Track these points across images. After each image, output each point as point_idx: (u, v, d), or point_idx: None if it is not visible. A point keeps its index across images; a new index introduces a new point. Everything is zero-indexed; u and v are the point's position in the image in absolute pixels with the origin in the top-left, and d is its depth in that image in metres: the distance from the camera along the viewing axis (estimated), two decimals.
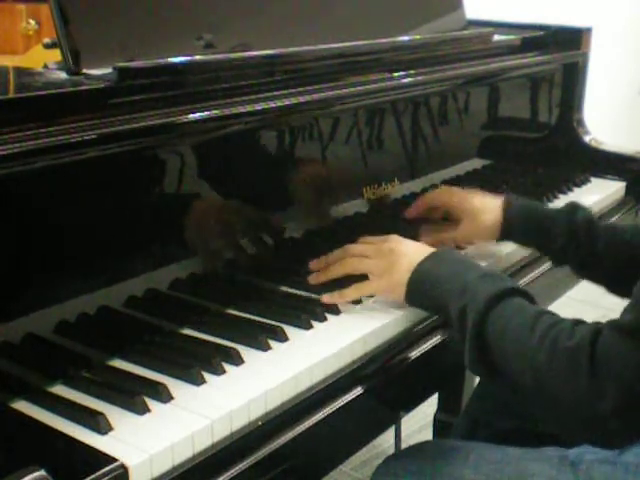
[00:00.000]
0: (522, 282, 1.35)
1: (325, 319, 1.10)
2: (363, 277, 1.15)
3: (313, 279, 1.17)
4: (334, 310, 1.12)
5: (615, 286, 1.27)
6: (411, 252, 1.12)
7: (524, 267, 1.39)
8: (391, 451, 1.93)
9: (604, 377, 0.87)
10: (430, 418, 1.94)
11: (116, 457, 0.78)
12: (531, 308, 0.99)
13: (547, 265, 1.39)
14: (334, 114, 1.27)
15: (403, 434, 1.73)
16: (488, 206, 1.32)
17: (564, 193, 1.76)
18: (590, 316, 1.03)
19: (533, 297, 1.03)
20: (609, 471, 1.02)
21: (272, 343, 1.02)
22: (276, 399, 0.94)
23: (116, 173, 0.98)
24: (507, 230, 1.30)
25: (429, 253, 1.11)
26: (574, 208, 1.29)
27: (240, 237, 1.16)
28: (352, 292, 1.13)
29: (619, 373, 0.86)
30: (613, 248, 1.26)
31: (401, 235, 1.19)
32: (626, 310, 0.91)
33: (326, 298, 1.12)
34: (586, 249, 1.26)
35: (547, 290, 1.46)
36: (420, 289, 1.08)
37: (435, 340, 1.12)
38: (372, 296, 1.17)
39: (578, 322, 0.94)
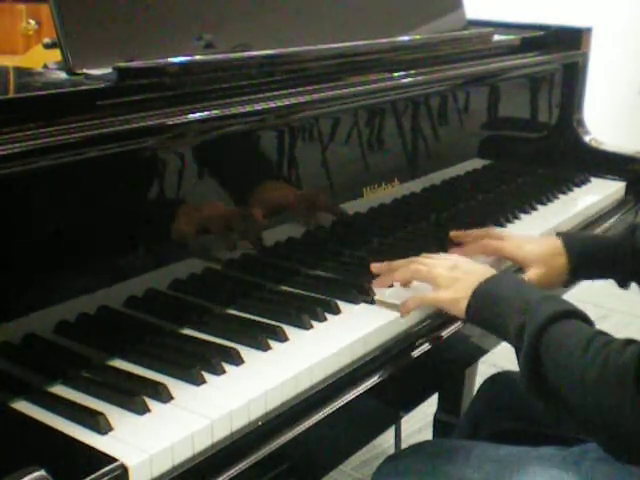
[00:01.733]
0: None
1: (325, 319, 1.10)
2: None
3: (377, 283, 1.19)
4: (334, 310, 1.12)
5: None
6: (475, 270, 1.14)
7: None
8: (391, 451, 1.93)
9: None
10: (430, 418, 1.94)
11: (116, 457, 0.79)
12: (588, 329, 1.00)
13: None
14: (334, 114, 1.27)
15: (403, 434, 1.73)
16: (554, 247, 1.31)
17: (564, 193, 1.76)
18: (590, 316, 1.03)
19: (591, 319, 1.03)
20: (610, 470, 1.03)
21: (272, 343, 1.03)
22: (276, 399, 0.94)
23: (116, 173, 0.98)
24: (577, 270, 1.30)
25: (493, 274, 1.12)
26: (633, 229, 1.31)
27: (240, 237, 1.16)
28: (415, 301, 1.14)
29: None
30: None
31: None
32: None
33: (406, 307, 1.13)
34: None
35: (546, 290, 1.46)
36: (482, 306, 1.09)
37: (435, 340, 1.12)
38: (372, 296, 1.17)
39: (630, 341, 0.94)
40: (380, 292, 1.18)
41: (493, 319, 1.07)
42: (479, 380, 1.47)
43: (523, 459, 1.07)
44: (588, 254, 1.30)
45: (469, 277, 1.12)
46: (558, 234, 1.35)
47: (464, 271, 1.14)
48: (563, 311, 1.00)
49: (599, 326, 0.99)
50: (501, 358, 1.70)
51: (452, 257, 1.20)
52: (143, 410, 0.87)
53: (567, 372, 0.95)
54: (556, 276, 1.30)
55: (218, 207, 1.13)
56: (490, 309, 1.08)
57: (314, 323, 1.09)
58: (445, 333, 1.15)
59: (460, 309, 1.10)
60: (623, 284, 1.33)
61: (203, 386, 0.93)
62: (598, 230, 1.64)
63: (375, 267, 1.22)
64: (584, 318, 1.02)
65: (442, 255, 1.22)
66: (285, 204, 1.23)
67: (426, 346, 1.11)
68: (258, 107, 1.10)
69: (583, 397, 0.93)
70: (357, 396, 0.99)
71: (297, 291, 1.19)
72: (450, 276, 1.13)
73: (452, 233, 1.38)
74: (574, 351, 0.95)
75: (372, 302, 1.16)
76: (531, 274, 1.28)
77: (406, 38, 1.48)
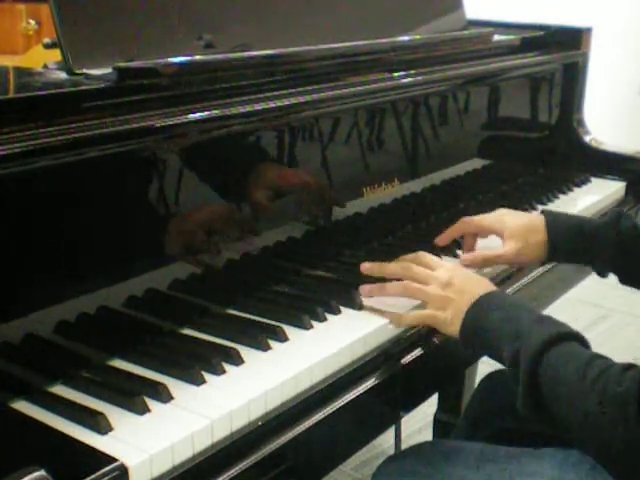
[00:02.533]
0: (521, 283, 1.34)
1: (325, 319, 1.10)
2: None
3: (365, 292, 1.15)
4: (334, 310, 1.12)
5: None
6: (468, 288, 1.10)
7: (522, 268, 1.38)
8: (391, 451, 1.93)
9: None
10: (430, 418, 1.94)
11: (116, 457, 0.79)
12: (584, 353, 0.98)
13: (546, 266, 1.39)
14: (334, 114, 1.27)
15: (403, 434, 1.73)
16: (534, 225, 1.28)
17: (564, 193, 1.76)
18: (590, 316, 1.04)
19: (586, 340, 1.01)
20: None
21: (272, 343, 1.03)
22: (276, 399, 0.94)
23: (116, 173, 0.98)
24: (555, 250, 1.28)
25: (483, 294, 1.08)
26: (618, 217, 1.28)
27: (240, 237, 1.16)
28: (412, 318, 1.12)
29: None
30: None
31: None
32: None
33: (407, 318, 1.12)
34: (633, 257, 1.25)
35: (547, 290, 1.46)
36: (474, 332, 1.07)
37: (435, 340, 1.12)
38: (372, 296, 1.17)
39: (630, 366, 0.93)
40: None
41: (487, 345, 1.06)
42: (479, 380, 1.47)
43: (523, 460, 1.07)
44: (569, 236, 1.28)
45: (462, 297, 1.09)
46: (542, 211, 1.33)
47: (457, 290, 1.10)
48: (557, 334, 0.98)
49: (599, 326, 0.99)
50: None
51: (447, 268, 1.15)
52: (143, 410, 0.87)
53: (566, 400, 0.94)
54: (532, 252, 1.28)
55: (218, 207, 1.13)
56: (483, 335, 1.05)
57: (314, 323, 1.09)
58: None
59: (454, 332, 1.09)
60: (602, 273, 1.31)
61: (203, 386, 0.93)
62: None
63: (365, 267, 1.18)
64: (578, 338, 1.00)
65: (436, 262, 1.16)
66: (284, 204, 1.23)
67: (426, 346, 1.11)
68: (258, 107, 1.10)
69: (583, 425, 0.92)
70: (357, 396, 0.99)
71: (297, 291, 1.19)
72: (443, 296, 1.10)
73: (437, 239, 1.35)
74: (572, 378, 0.94)
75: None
76: (506, 247, 1.27)
77: (406, 38, 1.48)
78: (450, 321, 1.08)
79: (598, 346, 1.00)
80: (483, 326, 1.05)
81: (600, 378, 0.92)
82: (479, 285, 1.11)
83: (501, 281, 1.33)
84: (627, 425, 0.87)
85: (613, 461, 0.93)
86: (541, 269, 1.39)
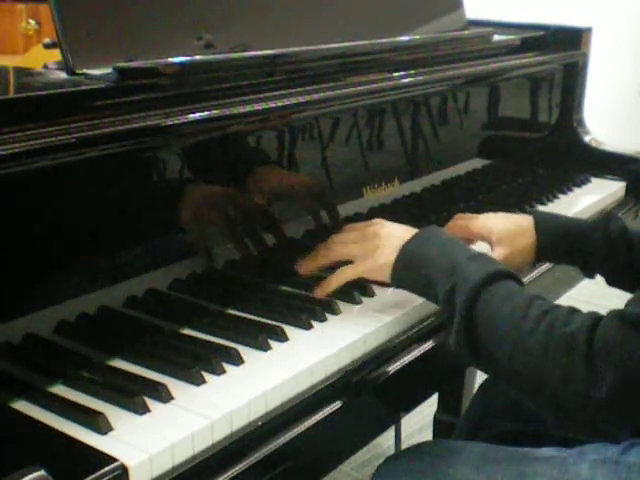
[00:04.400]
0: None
1: (325, 319, 1.10)
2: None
3: (301, 269, 1.17)
4: (334, 310, 1.12)
5: None
6: (397, 233, 1.11)
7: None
8: (391, 451, 1.93)
9: (601, 364, 0.86)
10: (430, 418, 1.94)
11: (116, 457, 0.78)
12: (523, 292, 0.98)
13: (546, 266, 1.39)
14: (334, 114, 1.27)
15: (403, 434, 1.73)
16: (520, 227, 1.26)
17: (564, 193, 1.76)
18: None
19: (522, 281, 1.02)
20: (611, 471, 1.02)
21: (272, 343, 1.02)
22: (276, 399, 0.94)
23: (116, 173, 0.98)
24: (544, 251, 1.26)
25: (416, 232, 1.09)
26: (608, 218, 1.27)
27: (240, 237, 1.16)
28: (337, 277, 1.12)
29: (620, 361, 0.86)
30: None
31: None
32: (632, 301, 0.91)
33: (318, 292, 1.12)
34: (622, 259, 1.24)
35: (547, 290, 1.45)
36: (407, 269, 1.06)
37: (435, 340, 1.12)
38: (372, 295, 1.17)
39: (574, 310, 0.94)
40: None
41: (420, 283, 1.05)
42: (479, 380, 1.47)
43: (523, 460, 1.07)
44: (558, 237, 1.26)
45: (390, 242, 1.09)
46: (531, 212, 1.32)
47: (384, 236, 1.11)
48: (494, 272, 0.98)
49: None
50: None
51: (374, 222, 1.16)
52: (143, 410, 0.87)
53: (505, 339, 0.94)
54: (521, 256, 1.26)
55: (218, 206, 1.13)
56: (416, 272, 1.05)
57: (314, 323, 1.08)
58: (445, 332, 1.15)
59: (385, 276, 1.09)
60: (589, 273, 1.30)
61: (203, 386, 0.93)
62: None
63: (301, 267, 1.18)
64: (515, 278, 1.00)
65: (364, 223, 1.18)
66: (285, 204, 1.23)
67: (426, 346, 1.11)
68: (258, 107, 1.10)
69: (524, 364, 0.92)
70: (357, 396, 0.99)
71: (297, 291, 1.19)
72: (369, 245, 1.11)
73: None
74: (512, 317, 0.93)
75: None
76: (495, 253, 1.24)
77: (406, 38, 1.48)
78: (380, 265, 1.08)
79: None
80: (418, 261, 1.05)
81: (544, 318, 0.92)
82: (406, 228, 1.12)
83: None
84: (573, 365, 0.88)
85: (552, 400, 0.93)
86: (542, 268, 1.39)
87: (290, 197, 1.24)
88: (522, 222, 1.27)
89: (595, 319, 0.90)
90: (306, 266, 1.17)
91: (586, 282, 1.45)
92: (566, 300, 1.27)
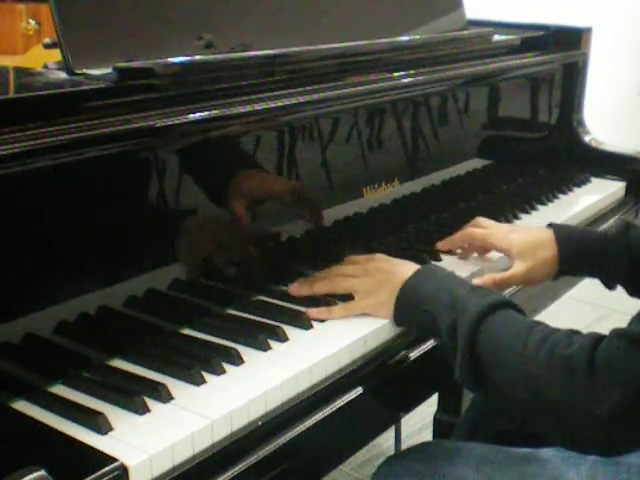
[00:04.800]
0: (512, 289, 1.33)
1: (325, 319, 1.10)
2: (349, 297, 1.13)
3: (295, 291, 1.14)
4: None
5: None
6: (398, 270, 1.11)
7: None
8: (391, 451, 1.93)
9: (604, 382, 0.86)
10: (430, 418, 1.94)
11: (116, 457, 0.79)
12: (523, 320, 0.98)
13: None
14: (334, 114, 1.27)
15: (403, 434, 1.73)
16: (541, 239, 1.25)
17: (564, 193, 1.76)
18: (590, 316, 1.04)
19: (523, 310, 1.01)
20: (612, 472, 1.02)
21: (272, 343, 1.02)
22: (276, 399, 0.94)
23: (116, 173, 0.98)
24: (566, 264, 1.25)
25: (417, 269, 1.10)
26: (627, 227, 1.26)
27: (240, 237, 1.16)
28: (340, 310, 1.10)
29: (624, 380, 0.85)
30: None
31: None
32: (636, 320, 0.91)
33: (313, 313, 1.09)
34: None
35: (547, 290, 1.45)
36: (408, 307, 1.06)
37: (435, 340, 1.12)
38: None
39: (574, 332, 0.94)
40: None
41: (422, 319, 1.05)
42: None
43: (523, 461, 1.07)
44: (578, 249, 1.25)
45: (392, 278, 1.09)
46: (549, 225, 1.30)
47: (386, 272, 1.11)
48: (494, 303, 0.98)
49: (599, 326, 0.99)
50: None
51: (376, 257, 1.16)
52: (143, 410, 0.87)
53: (508, 367, 0.94)
54: (543, 269, 1.25)
55: (218, 206, 1.13)
56: (417, 309, 1.05)
57: (314, 323, 1.09)
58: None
59: (388, 313, 1.08)
60: (610, 284, 1.29)
61: (203, 386, 0.93)
62: (599, 229, 1.64)
63: (295, 289, 1.15)
64: (514, 307, 1.00)
65: (366, 257, 1.18)
66: (285, 203, 1.23)
67: (426, 346, 1.11)
68: (258, 107, 1.10)
69: (529, 391, 0.91)
70: (357, 396, 0.99)
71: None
72: (372, 282, 1.10)
73: (438, 244, 1.33)
74: (513, 345, 0.94)
75: None
76: (516, 267, 1.23)
77: (406, 38, 1.48)
78: (382, 303, 1.08)
79: None
80: (419, 298, 1.05)
81: (545, 343, 0.92)
82: (408, 265, 1.12)
83: None
84: (575, 384, 0.87)
85: (558, 424, 0.92)
86: None
87: (285, 200, 1.24)
88: (542, 235, 1.26)
89: (596, 339, 0.90)
90: (301, 290, 1.14)
91: (586, 282, 1.45)
92: (566, 300, 1.28)
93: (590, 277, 1.31)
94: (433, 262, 1.28)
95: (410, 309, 1.06)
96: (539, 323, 0.97)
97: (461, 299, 1.00)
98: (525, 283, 1.27)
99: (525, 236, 1.26)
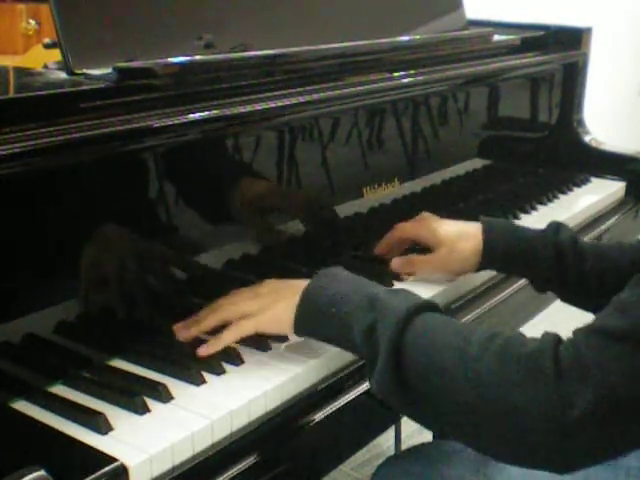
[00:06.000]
0: (520, 283, 1.33)
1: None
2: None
3: (180, 334, 1.00)
4: None
5: (602, 309, 1.21)
6: (295, 282, 1.00)
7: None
8: (391, 451, 1.93)
9: (574, 383, 0.76)
10: None
11: (116, 457, 0.79)
12: (457, 321, 0.90)
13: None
14: (334, 114, 1.27)
15: (403, 434, 1.73)
16: (465, 231, 1.21)
17: (564, 193, 1.76)
18: (590, 316, 1.02)
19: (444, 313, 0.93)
20: (610, 474, 1.02)
21: (272, 343, 1.02)
22: (276, 399, 0.94)
23: (116, 173, 0.98)
24: (489, 257, 1.20)
25: (317, 274, 0.98)
26: (558, 228, 1.20)
27: (241, 237, 1.16)
28: (230, 334, 0.98)
29: (597, 379, 0.76)
30: (599, 267, 1.16)
31: None
32: (607, 315, 0.82)
33: (202, 350, 0.97)
34: (572, 270, 1.16)
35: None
36: (313, 312, 0.93)
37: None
38: None
39: (522, 333, 0.85)
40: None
41: (330, 325, 0.92)
42: None
43: None
44: (504, 245, 1.19)
45: (286, 291, 0.98)
46: (481, 219, 1.24)
47: (280, 288, 1.00)
48: (421, 303, 0.89)
49: None
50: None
51: (265, 282, 1.04)
52: (143, 410, 0.87)
53: (445, 370, 0.82)
54: (462, 260, 1.20)
55: (218, 206, 1.13)
56: (323, 313, 0.92)
57: None
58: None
59: (286, 324, 0.96)
60: (539, 287, 1.22)
61: (203, 386, 0.93)
62: (598, 230, 1.64)
63: (179, 330, 1.01)
64: (441, 309, 0.92)
65: (254, 286, 1.04)
66: (283, 202, 1.23)
67: None
68: (258, 107, 1.10)
69: (472, 397, 0.80)
70: (357, 396, 0.99)
71: None
72: (263, 300, 0.99)
73: (377, 249, 1.29)
74: (453, 344, 0.83)
75: None
76: (435, 255, 1.21)
77: (406, 38, 1.48)
78: (278, 317, 0.96)
79: None
80: (325, 301, 0.92)
81: (492, 341, 0.81)
82: (302, 281, 0.99)
83: (501, 280, 1.33)
84: (538, 385, 0.77)
85: (515, 432, 0.79)
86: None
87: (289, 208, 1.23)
88: (468, 228, 1.22)
89: (556, 336, 0.81)
90: (186, 331, 1.00)
91: None
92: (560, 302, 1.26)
93: (517, 276, 1.27)
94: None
95: (314, 314, 0.94)
96: (476, 325, 0.90)
97: (380, 299, 0.89)
98: (439, 270, 1.23)
99: (450, 227, 1.23)
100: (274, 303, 0.98)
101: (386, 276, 1.23)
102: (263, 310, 0.98)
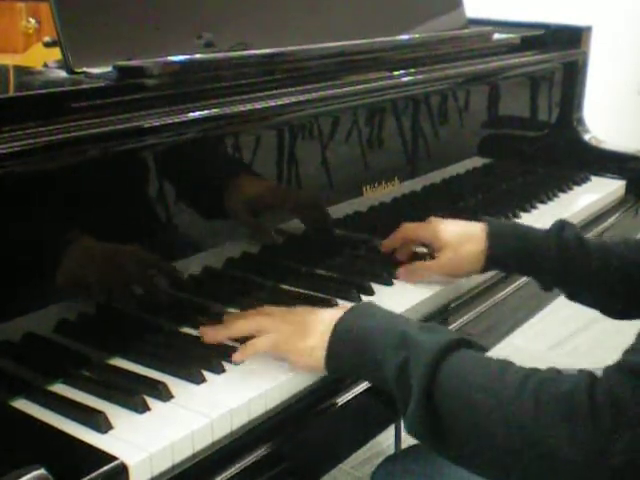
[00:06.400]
0: (520, 281, 1.34)
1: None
2: None
3: (207, 336, 1.00)
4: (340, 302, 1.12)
5: (609, 307, 1.19)
6: (326, 314, 0.97)
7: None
8: (391, 450, 1.93)
9: (611, 425, 0.74)
10: None
11: (116, 456, 0.79)
12: (492, 358, 0.86)
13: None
14: (334, 113, 1.27)
15: (403, 433, 1.73)
16: (469, 233, 1.21)
17: (564, 192, 1.76)
18: (590, 316, 1.01)
19: (485, 348, 0.92)
20: None
21: None
22: (276, 398, 0.94)
23: (116, 172, 0.98)
24: (493, 258, 1.19)
25: (350, 307, 0.96)
26: (562, 226, 1.19)
27: (242, 236, 1.16)
28: (263, 343, 0.96)
29: (632, 419, 0.74)
30: (605, 265, 1.15)
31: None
32: (635, 351, 0.79)
33: (237, 356, 0.96)
34: (578, 269, 1.16)
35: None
36: (344, 348, 0.92)
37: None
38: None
39: (558, 370, 0.82)
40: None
41: (361, 362, 0.90)
42: None
43: None
44: (510, 245, 1.19)
45: (321, 320, 0.95)
46: (485, 219, 1.24)
47: (312, 318, 0.97)
48: (455, 339, 0.86)
49: (599, 325, 0.97)
50: (501, 357, 1.70)
51: (297, 310, 1.02)
52: (143, 409, 0.87)
53: (480, 412, 0.80)
54: (468, 262, 1.20)
55: (218, 205, 1.13)
56: (356, 349, 0.90)
57: None
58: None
59: (316, 360, 0.93)
60: (546, 286, 1.22)
61: (203, 385, 0.93)
62: (598, 228, 1.64)
63: (206, 334, 1.01)
64: (477, 346, 0.89)
65: (284, 309, 1.03)
66: (281, 202, 1.24)
67: None
68: (258, 106, 1.10)
69: (508, 438, 0.78)
70: (357, 395, 0.99)
71: (297, 290, 1.19)
72: (295, 327, 0.96)
73: (382, 246, 1.29)
74: (487, 385, 0.81)
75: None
76: (440, 258, 1.21)
77: (406, 37, 1.48)
78: (310, 349, 0.94)
79: (598, 345, 0.99)
80: (357, 337, 0.91)
81: (526, 381, 0.80)
82: (336, 310, 0.98)
83: (500, 280, 1.33)
84: (575, 428, 0.75)
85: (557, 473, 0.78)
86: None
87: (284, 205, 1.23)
88: (472, 229, 1.21)
89: (591, 375, 0.79)
90: (214, 334, 1.00)
91: None
92: (564, 300, 1.26)
93: (523, 276, 1.27)
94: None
95: (346, 351, 0.91)
96: (509, 362, 0.85)
97: (412, 337, 0.87)
98: (446, 274, 1.23)
99: (454, 228, 1.22)
100: (305, 333, 0.95)
101: (386, 274, 1.23)
102: (294, 334, 0.96)
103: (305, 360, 0.95)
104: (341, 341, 0.92)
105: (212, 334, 1.01)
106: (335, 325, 0.93)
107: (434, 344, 0.85)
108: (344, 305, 1.00)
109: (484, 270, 1.22)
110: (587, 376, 0.79)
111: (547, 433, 0.76)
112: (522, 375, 0.81)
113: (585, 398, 0.76)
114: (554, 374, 0.81)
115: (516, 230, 1.22)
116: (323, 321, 0.95)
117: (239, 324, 1.00)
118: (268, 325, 0.98)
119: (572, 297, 1.21)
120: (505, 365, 0.84)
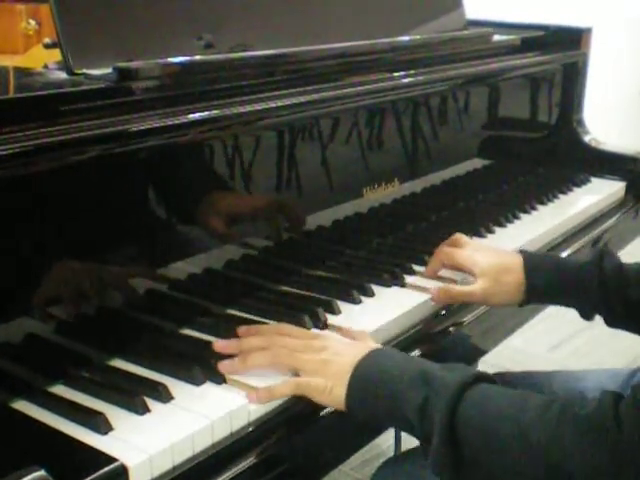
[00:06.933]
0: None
1: (325, 319, 1.10)
2: None
3: (227, 368, 0.95)
4: (334, 310, 1.12)
5: None
6: (348, 350, 0.96)
7: None
8: (391, 451, 1.93)
9: (635, 441, 0.75)
10: None
11: (116, 457, 0.79)
12: (511, 391, 0.86)
13: None
14: (334, 114, 1.27)
15: (403, 434, 1.73)
16: (506, 264, 1.19)
17: (564, 193, 1.76)
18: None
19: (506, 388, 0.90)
20: None
21: None
22: (276, 400, 0.94)
23: (116, 173, 0.98)
24: (533, 291, 1.18)
25: (370, 349, 0.95)
26: (601, 256, 1.18)
27: (242, 236, 1.16)
28: (285, 388, 0.93)
29: None
30: None
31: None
32: None
33: (258, 395, 0.92)
34: (618, 298, 1.16)
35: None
36: (365, 388, 0.91)
37: (434, 340, 1.12)
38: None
39: (583, 395, 0.84)
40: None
41: (383, 402, 0.89)
42: None
43: None
44: (548, 279, 1.19)
45: (342, 359, 0.94)
46: (520, 251, 1.25)
47: (334, 353, 0.95)
48: (474, 375, 0.87)
49: (599, 326, 0.97)
50: (501, 358, 1.70)
51: (322, 336, 1.02)
52: (143, 410, 0.87)
53: (503, 441, 0.80)
54: (504, 293, 1.19)
55: (218, 205, 1.13)
56: (376, 390, 0.90)
57: (314, 323, 1.08)
58: (444, 328, 1.15)
59: (336, 398, 0.92)
60: (586, 315, 1.21)
61: (203, 386, 0.93)
62: (598, 230, 1.64)
63: (219, 346, 0.99)
64: (495, 381, 0.89)
65: (307, 332, 1.03)
66: (285, 201, 1.24)
67: (424, 347, 1.11)
68: (258, 107, 1.11)
69: (534, 464, 0.78)
70: None
71: (297, 291, 1.19)
72: (319, 359, 0.94)
73: (426, 273, 1.26)
74: (509, 414, 0.81)
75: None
76: (476, 285, 1.18)
77: (406, 38, 1.48)
78: (330, 389, 0.92)
79: (598, 347, 0.99)
80: (377, 378, 0.91)
81: (549, 407, 0.80)
82: (358, 345, 0.98)
83: None
84: (600, 449, 0.75)
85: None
86: None
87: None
88: (509, 260, 1.21)
89: (615, 395, 0.79)
90: (234, 367, 0.96)
91: None
92: None
93: (564, 306, 1.24)
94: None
95: (367, 392, 0.91)
96: (531, 392, 0.85)
97: (432, 374, 0.87)
98: (483, 303, 1.22)
99: (490, 257, 1.21)
100: (327, 370, 0.94)
101: (386, 276, 1.23)
102: (315, 373, 0.94)
103: (323, 399, 0.93)
104: (361, 383, 0.92)
105: (223, 346, 0.98)
106: (357, 364, 0.93)
107: (455, 379, 0.85)
108: (362, 344, 0.99)
109: (523, 303, 1.21)
110: (612, 396, 0.79)
111: (571, 455, 0.77)
112: (544, 401, 0.82)
113: (611, 417, 0.76)
114: (577, 398, 0.81)
115: (553, 263, 1.21)
116: (344, 359, 0.94)
117: (259, 358, 0.96)
118: (291, 361, 0.96)
119: (612, 325, 1.20)
120: (526, 395, 0.84)
